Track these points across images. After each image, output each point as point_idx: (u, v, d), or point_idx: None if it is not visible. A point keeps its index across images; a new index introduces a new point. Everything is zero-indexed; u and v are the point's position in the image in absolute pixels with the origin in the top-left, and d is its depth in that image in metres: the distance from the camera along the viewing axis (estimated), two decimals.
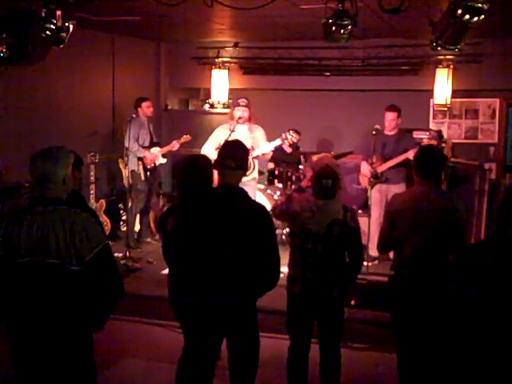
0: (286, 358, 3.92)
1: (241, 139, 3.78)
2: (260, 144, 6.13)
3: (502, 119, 8.11)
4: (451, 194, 4.25)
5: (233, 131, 6.03)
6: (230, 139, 5.35)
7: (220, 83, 8.81)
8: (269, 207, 7.17)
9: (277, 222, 6.46)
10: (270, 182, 7.73)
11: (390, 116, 6.57)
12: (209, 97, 9.04)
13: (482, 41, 7.26)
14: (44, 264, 2.80)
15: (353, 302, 5.15)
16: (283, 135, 6.09)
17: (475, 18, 3.89)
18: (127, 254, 6.77)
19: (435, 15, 4.68)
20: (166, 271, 3.93)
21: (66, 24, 4.82)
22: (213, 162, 3.65)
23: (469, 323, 2.46)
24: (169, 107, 9.63)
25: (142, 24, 7.18)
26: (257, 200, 4.17)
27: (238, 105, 6.19)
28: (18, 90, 6.61)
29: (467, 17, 3.89)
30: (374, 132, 6.34)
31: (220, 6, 4.62)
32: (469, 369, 2.50)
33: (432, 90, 7.82)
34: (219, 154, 3.42)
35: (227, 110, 8.22)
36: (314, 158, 7.80)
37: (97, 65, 7.97)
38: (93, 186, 7.00)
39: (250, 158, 5.76)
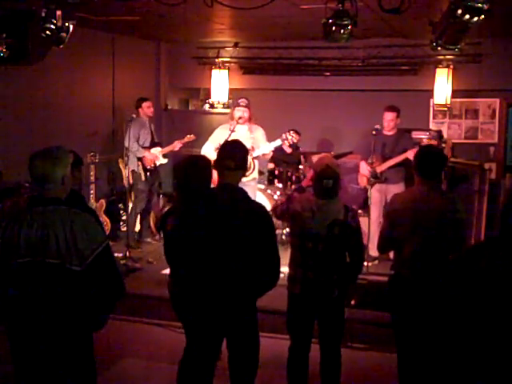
0: (286, 357, 3.92)
1: (241, 139, 3.78)
2: (260, 144, 6.13)
3: (501, 119, 8.12)
4: (451, 194, 4.25)
5: (233, 131, 6.03)
6: (229, 139, 5.35)
7: (220, 83, 8.81)
8: (269, 207, 7.18)
9: (277, 222, 6.46)
10: (270, 182, 7.73)
11: (389, 116, 6.57)
12: (209, 97, 9.05)
13: (482, 41, 7.26)
14: (44, 264, 2.80)
15: (353, 302, 5.15)
16: (283, 135, 6.09)
17: (475, 18, 3.89)
18: (127, 253, 6.77)
19: (435, 15, 4.69)
20: (166, 271, 3.94)
21: (66, 24, 4.82)
22: (212, 162, 3.65)
23: (470, 324, 2.46)
24: (169, 107, 9.63)
25: (142, 24, 7.18)
26: (257, 200, 4.17)
27: (238, 105, 6.19)
28: (18, 90, 6.61)
29: (467, 17, 3.89)
30: (373, 132, 6.34)
31: (220, 6, 4.62)
32: (469, 369, 2.49)
33: (432, 90, 7.82)
34: (219, 155, 3.42)
35: (227, 110, 8.22)
36: (315, 158, 7.80)
37: (97, 65, 7.96)
38: (93, 186, 6.99)
39: (249, 158, 5.79)
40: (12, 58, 4.75)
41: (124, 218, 7.98)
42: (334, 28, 4.42)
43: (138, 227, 7.70)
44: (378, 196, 6.63)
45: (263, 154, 6.16)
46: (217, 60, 8.77)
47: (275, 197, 7.58)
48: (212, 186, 3.77)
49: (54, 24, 4.68)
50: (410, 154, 6.28)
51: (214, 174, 3.54)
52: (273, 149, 6.19)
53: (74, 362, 2.90)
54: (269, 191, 7.63)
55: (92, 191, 6.97)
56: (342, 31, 4.41)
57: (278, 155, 7.45)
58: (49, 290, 2.82)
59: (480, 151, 8.06)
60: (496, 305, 2.37)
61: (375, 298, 5.14)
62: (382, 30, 6.95)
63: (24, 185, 5.87)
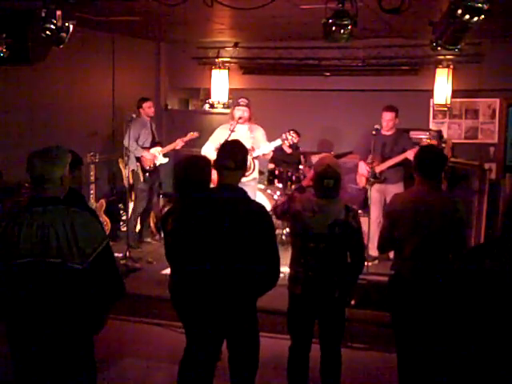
0: (286, 357, 3.92)
1: (241, 139, 3.78)
2: (260, 144, 6.13)
3: (501, 119, 8.12)
4: (451, 194, 4.26)
5: (233, 131, 6.03)
6: (229, 139, 5.35)
7: (220, 83, 8.81)
8: (269, 207, 7.19)
9: (277, 222, 6.46)
10: (270, 182, 7.73)
11: (388, 116, 6.57)
12: (209, 97, 9.05)
13: (482, 41, 7.26)
14: (45, 263, 2.80)
15: (353, 302, 5.15)
16: (283, 135, 6.09)
17: (475, 18, 3.88)
18: (127, 254, 6.77)
19: (435, 15, 4.68)
20: (166, 271, 3.94)
21: (66, 24, 4.82)
22: (212, 162, 3.65)
23: (473, 325, 2.46)
24: (169, 107, 9.63)
25: (142, 24, 7.17)
26: (257, 200, 4.17)
27: (238, 104, 6.19)
28: (18, 89, 6.61)
29: (467, 17, 3.88)
30: (373, 132, 6.35)
31: (220, 6, 4.62)
32: (472, 370, 2.49)
33: (432, 90, 7.82)
34: (218, 154, 3.42)
35: (227, 110, 8.21)
36: (315, 158, 7.82)
37: (97, 65, 7.96)
38: (93, 186, 7.00)
39: (250, 158, 5.79)
40: (12, 58, 4.76)
41: (124, 218, 7.98)
42: (333, 28, 4.41)
43: (138, 227, 7.70)
44: (377, 196, 6.64)
45: (263, 154, 6.16)
46: (217, 60, 8.77)
47: (275, 197, 7.58)
48: (212, 185, 3.76)
49: (54, 24, 4.67)
50: (410, 154, 6.28)
51: (214, 173, 3.53)
52: (273, 149, 6.18)
53: (74, 361, 2.91)
54: (269, 191, 7.64)
55: (92, 191, 6.97)
56: (342, 31, 4.41)
57: (278, 155, 7.45)
58: (49, 290, 2.83)
59: (480, 151, 8.06)
60: (499, 306, 2.37)
61: (375, 298, 5.14)
62: (381, 30, 6.95)
63: (24, 185, 5.87)
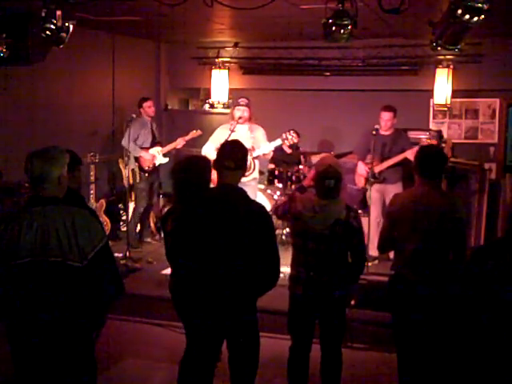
0: (286, 358, 3.91)
1: (241, 139, 3.78)
2: (260, 144, 6.13)
3: (502, 119, 8.11)
4: (452, 194, 4.26)
5: (233, 131, 6.03)
6: (229, 139, 5.35)
7: (220, 83, 8.81)
8: (269, 207, 7.19)
9: (277, 222, 6.47)
10: (270, 182, 7.72)
11: (386, 116, 6.57)
12: (209, 97, 9.04)
13: (482, 41, 7.26)
14: (46, 262, 2.81)
15: (353, 302, 5.15)
16: (283, 135, 6.09)
17: (475, 18, 3.88)
18: (127, 254, 6.77)
19: (435, 15, 4.68)
20: (166, 271, 3.94)
21: (66, 24, 4.82)
22: (212, 162, 3.65)
23: (477, 325, 2.46)
24: (169, 107, 9.63)
25: (142, 24, 7.17)
26: (257, 200, 4.17)
27: (238, 104, 6.20)
28: (18, 89, 6.61)
29: (467, 17, 3.88)
30: (373, 132, 6.35)
31: (220, 6, 4.62)
32: (472, 370, 2.50)
33: (432, 90, 7.82)
34: (218, 154, 3.42)
35: (227, 110, 8.21)
36: (315, 158, 7.82)
37: (97, 65, 7.96)
38: (93, 186, 6.99)
39: (250, 158, 5.79)
40: (12, 58, 4.76)
41: (124, 218, 7.98)
42: (333, 28, 4.41)
43: (138, 227, 7.70)
44: (376, 196, 6.64)
45: (263, 154, 6.16)
46: (217, 60, 8.76)
47: (275, 197, 7.58)
48: (212, 185, 3.76)
49: (54, 24, 4.67)
50: (409, 154, 6.29)
51: (214, 174, 3.54)
52: (273, 149, 6.19)
53: (74, 361, 2.91)
54: (269, 191, 7.64)
55: (92, 191, 6.97)
56: (342, 31, 4.41)
57: (278, 155, 7.45)
58: (50, 289, 2.83)
59: (480, 151, 8.06)
60: (503, 306, 2.37)
61: (375, 297, 5.14)
62: (382, 30, 6.94)
63: (24, 185, 5.87)
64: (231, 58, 8.80)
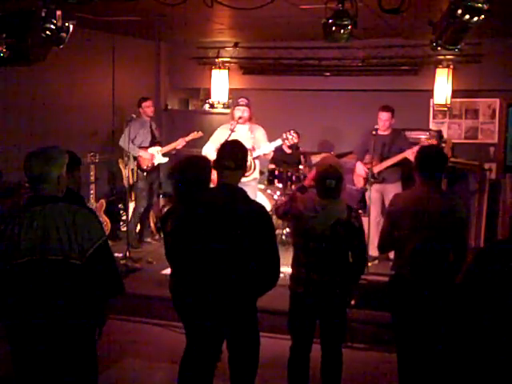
0: (286, 358, 3.91)
1: (241, 139, 3.78)
2: (261, 144, 6.13)
3: (502, 119, 8.11)
4: (452, 194, 4.26)
5: (233, 131, 6.03)
6: (229, 139, 5.35)
7: (220, 83, 8.81)
8: (269, 207, 7.19)
9: (277, 222, 6.46)
10: (270, 182, 7.73)
11: (385, 116, 6.58)
12: (209, 97, 9.04)
13: (482, 41, 7.25)
14: (46, 261, 2.81)
15: (353, 302, 5.15)
16: (284, 135, 6.09)
17: (475, 18, 3.88)
18: (127, 254, 6.77)
19: (435, 15, 4.68)
20: (166, 271, 3.94)
21: (66, 24, 4.82)
22: (212, 162, 3.65)
23: (481, 324, 2.46)
24: (169, 107, 9.63)
25: (142, 24, 7.17)
26: (257, 200, 4.17)
27: (238, 104, 6.20)
28: (18, 89, 6.60)
29: (467, 17, 3.88)
30: (373, 132, 6.36)
31: (220, 6, 4.62)
32: (472, 370, 2.50)
33: (432, 90, 7.81)
34: (218, 154, 3.42)
35: (227, 110, 8.21)
36: (315, 158, 7.82)
37: (97, 65, 7.96)
38: (93, 186, 6.99)
39: (250, 158, 5.79)
40: (12, 58, 4.75)
41: (124, 218, 7.98)
42: (333, 28, 4.41)
43: (138, 227, 7.70)
44: (375, 196, 6.64)
45: (264, 154, 6.17)
46: (217, 60, 8.76)
47: (275, 197, 7.58)
48: (212, 185, 3.76)
49: (54, 24, 4.67)
50: (409, 154, 6.29)
51: (214, 174, 3.54)
52: (273, 149, 6.19)
53: (75, 361, 2.91)
54: (269, 191, 7.64)
55: (92, 191, 6.97)
56: (341, 31, 4.41)
57: (278, 155, 7.45)
58: (51, 288, 2.83)
59: (480, 151, 8.05)
60: (506, 309, 2.37)
61: (375, 298, 5.14)
62: (381, 30, 6.94)
63: (24, 185, 5.87)
64: (231, 58, 8.80)
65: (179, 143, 7.36)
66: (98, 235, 2.87)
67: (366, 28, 6.41)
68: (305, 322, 3.84)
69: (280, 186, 7.62)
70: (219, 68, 8.78)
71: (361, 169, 6.74)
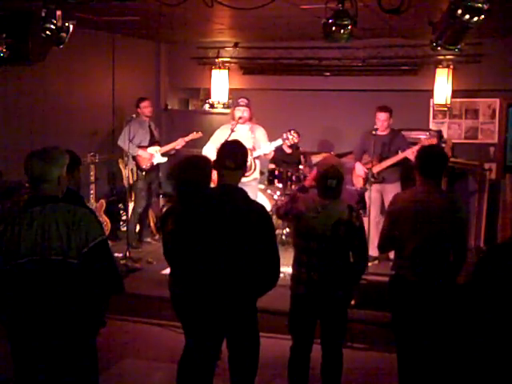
0: (286, 358, 3.92)
1: (242, 139, 3.78)
2: (261, 144, 6.13)
3: (502, 119, 8.10)
4: (452, 194, 4.26)
5: (233, 131, 6.03)
6: (230, 139, 5.35)
7: (220, 83, 8.80)
8: (269, 207, 7.19)
9: (277, 222, 6.46)
10: (270, 182, 7.72)
11: (383, 116, 6.58)
12: (209, 97, 9.04)
13: (482, 41, 7.25)
14: (46, 261, 2.81)
15: (353, 302, 5.15)
16: (284, 135, 6.09)
17: (475, 18, 3.88)
18: (127, 254, 6.77)
19: (435, 15, 4.68)
20: (166, 271, 3.94)
21: (66, 24, 4.82)
22: (213, 162, 3.65)
23: (485, 324, 2.45)
24: (169, 107, 9.63)
25: (142, 24, 7.17)
26: (258, 200, 4.17)
27: (238, 105, 6.20)
28: (18, 89, 6.60)
29: (467, 17, 3.88)
30: (373, 132, 6.37)
31: (220, 6, 4.62)
32: (472, 370, 2.50)
33: (432, 90, 7.81)
34: (218, 155, 3.42)
35: (227, 110, 8.21)
36: (315, 158, 7.82)
37: (97, 65, 7.96)
38: (93, 186, 7.00)
39: (250, 158, 5.79)
40: (12, 58, 4.75)
41: (124, 218, 7.98)
42: (334, 28, 4.41)
43: (137, 227, 7.70)
44: (375, 196, 6.64)
45: (264, 154, 6.17)
46: (217, 60, 8.76)
47: (275, 197, 7.58)
48: (212, 185, 3.76)
49: (54, 24, 4.67)
50: (410, 153, 6.30)
51: (215, 174, 3.54)
52: (274, 149, 6.19)
53: (75, 361, 2.91)
54: (269, 191, 7.64)
55: (92, 191, 6.97)
56: (341, 31, 4.41)
57: (278, 155, 7.44)
58: (51, 288, 2.84)
59: (480, 151, 8.05)
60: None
61: (375, 298, 5.14)
62: (382, 30, 6.94)
63: (24, 185, 5.86)
64: (231, 57, 8.80)
65: (178, 143, 7.36)
66: (95, 234, 2.87)
67: (366, 28, 6.41)
68: (305, 322, 3.84)
69: (280, 186, 7.62)
70: (219, 68, 8.78)
71: (360, 169, 6.75)
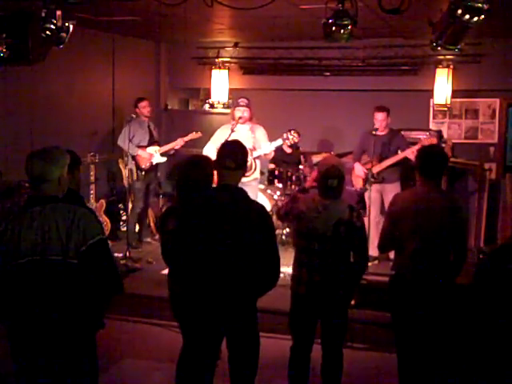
0: (286, 358, 3.92)
1: (242, 139, 3.78)
2: (261, 144, 6.13)
3: (502, 119, 8.10)
4: (452, 194, 4.26)
5: (233, 131, 6.03)
6: (230, 139, 5.35)
7: (220, 83, 8.80)
8: (269, 207, 7.19)
9: (277, 222, 6.46)
10: (270, 182, 7.72)
11: (381, 116, 6.58)
12: (209, 97, 9.04)
13: (481, 41, 7.25)
14: (46, 261, 2.81)
15: (353, 302, 5.15)
16: (284, 135, 6.09)
17: (475, 18, 3.88)
18: (127, 254, 6.77)
19: (435, 15, 4.68)
20: (166, 271, 3.93)
21: (66, 24, 4.82)
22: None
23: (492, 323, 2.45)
24: (169, 107, 9.63)
25: (142, 24, 7.17)
26: (258, 200, 4.17)
27: (238, 105, 6.20)
28: (18, 89, 6.60)
29: (467, 17, 3.88)
30: (373, 132, 6.37)
31: (220, 6, 4.62)
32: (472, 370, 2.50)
33: (432, 90, 7.81)
34: (218, 155, 3.42)
35: (227, 110, 8.21)
36: (315, 158, 7.82)
37: (97, 65, 7.96)
38: (93, 186, 7.00)
39: (251, 158, 5.79)
40: (12, 58, 4.75)
41: (124, 218, 7.98)
42: (334, 28, 4.41)
43: (137, 227, 7.70)
44: (374, 196, 6.64)
45: (265, 154, 6.17)
46: (217, 60, 8.76)
47: (275, 197, 7.57)
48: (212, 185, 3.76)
49: (54, 24, 4.67)
50: (409, 153, 6.30)
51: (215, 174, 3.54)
52: (274, 148, 6.19)
53: (75, 361, 2.91)
54: (269, 191, 7.63)
55: (92, 191, 6.97)
56: (341, 31, 4.41)
57: (278, 155, 7.44)
58: (51, 288, 2.83)
59: (480, 151, 8.05)
60: None
61: (375, 298, 5.14)
62: (382, 30, 6.94)
63: (24, 185, 5.87)
64: (231, 57, 8.80)
65: (178, 143, 7.36)
66: (94, 233, 2.86)
67: (366, 28, 6.41)
68: (306, 322, 3.84)
69: (280, 186, 7.62)
70: (219, 68, 8.77)
71: (360, 170, 6.75)
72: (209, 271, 3.25)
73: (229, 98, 8.83)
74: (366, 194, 6.59)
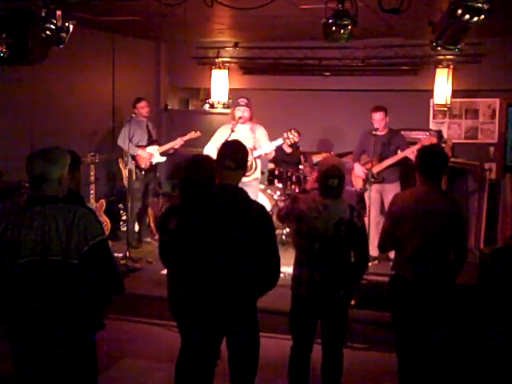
0: (286, 358, 3.91)
1: (242, 139, 3.78)
2: (262, 144, 6.13)
3: (502, 119, 8.11)
4: (452, 194, 4.26)
5: (233, 131, 6.03)
6: (230, 139, 5.35)
7: (220, 83, 8.81)
8: (269, 207, 7.19)
9: (277, 222, 6.46)
10: (270, 182, 7.73)
11: (378, 116, 6.58)
12: (209, 97, 9.04)
13: (481, 41, 7.25)
14: (46, 262, 2.81)
15: (353, 302, 5.15)
16: (285, 135, 6.09)
17: (475, 18, 3.89)
18: (127, 254, 6.77)
19: (435, 15, 4.68)
20: (166, 271, 3.93)
21: (66, 24, 4.82)
22: None
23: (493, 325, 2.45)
24: (169, 107, 9.63)
25: (142, 24, 7.18)
26: (258, 200, 4.17)
27: (238, 104, 6.20)
28: (18, 89, 6.60)
29: (467, 17, 3.89)
30: (373, 132, 6.36)
31: (220, 6, 4.62)
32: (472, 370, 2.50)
33: (432, 90, 7.81)
34: (219, 155, 3.42)
35: (227, 110, 8.21)
36: (315, 158, 7.82)
37: (97, 65, 7.96)
38: (93, 186, 6.99)
39: (251, 158, 5.79)
40: (12, 58, 4.75)
41: (124, 218, 7.98)
42: (334, 28, 4.41)
43: (136, 227, 7.70)
44: (374, 196, 6.64)
45: (265, 154, 6.17)
46: (217, 60, 8.76)
47: (275, 197, 7.57)
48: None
49: (54, 24, 4.67)
50: (409, 153, 6.30)
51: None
52: (274, 148, 6.19)
53: (74, 361, 2.91)
54: (269, 191, 7.63)
55: (92, 191, 6.97)
56: (341, 31, 4.41)
57: (278, 155, 7.44)
58: (51, 288, 2.83)
59: (480, 151, 8.05)
60: None
61: (375, 298, 5.14)
62: (381, 30, 6.95)
63: (24, 185, 5.87)
64: (231, 57, 8.80)
65: (177, 143, 7.36)
66: (94, 233, 2.86)
67: (366, 28, 6.41)
68: (306, 322, 3.84)
69: (280, 186, 7.62)
70: (219, 68, 8.78)
71: (359, 170, 6.74)
72: (209, 271, 3.25)
73: (229, 98, 8.84)
74: (366, 194, 6.59)
